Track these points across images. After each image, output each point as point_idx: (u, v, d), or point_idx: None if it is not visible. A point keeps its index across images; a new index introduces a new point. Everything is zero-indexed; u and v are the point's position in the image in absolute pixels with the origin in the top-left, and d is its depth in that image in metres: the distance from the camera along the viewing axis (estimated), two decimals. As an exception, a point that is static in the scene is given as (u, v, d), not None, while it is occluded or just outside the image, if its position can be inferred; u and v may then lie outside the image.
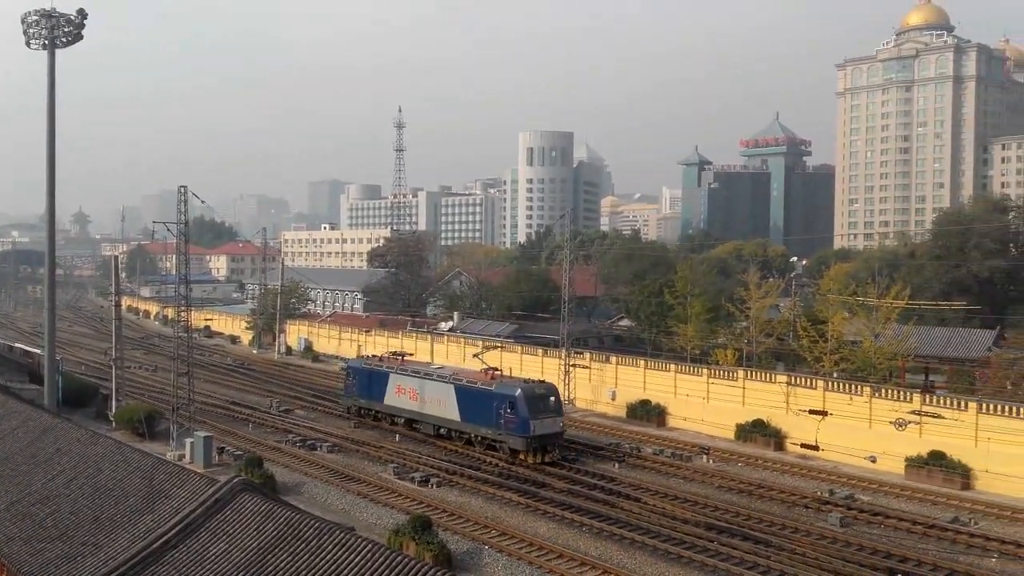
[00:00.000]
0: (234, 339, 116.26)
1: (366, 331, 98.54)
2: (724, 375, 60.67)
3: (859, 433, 50.22)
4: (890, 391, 51.32)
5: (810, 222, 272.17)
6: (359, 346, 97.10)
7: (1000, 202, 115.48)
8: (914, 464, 46.75)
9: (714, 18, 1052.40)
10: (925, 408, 47.65)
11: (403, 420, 55.97)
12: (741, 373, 59.85)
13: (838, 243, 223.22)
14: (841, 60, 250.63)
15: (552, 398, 48.85)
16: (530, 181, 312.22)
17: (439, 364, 63.82)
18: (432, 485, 43.51)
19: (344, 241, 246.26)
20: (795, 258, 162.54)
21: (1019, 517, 39.67)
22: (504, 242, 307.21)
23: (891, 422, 48.26)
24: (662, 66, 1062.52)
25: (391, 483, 43.62)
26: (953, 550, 35.18)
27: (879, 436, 49.24)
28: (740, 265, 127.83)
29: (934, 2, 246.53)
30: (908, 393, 50.54)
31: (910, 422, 47.37)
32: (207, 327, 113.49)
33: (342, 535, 21.62)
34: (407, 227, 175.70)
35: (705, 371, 62.05)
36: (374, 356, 65.12)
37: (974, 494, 43.94)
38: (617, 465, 48.64)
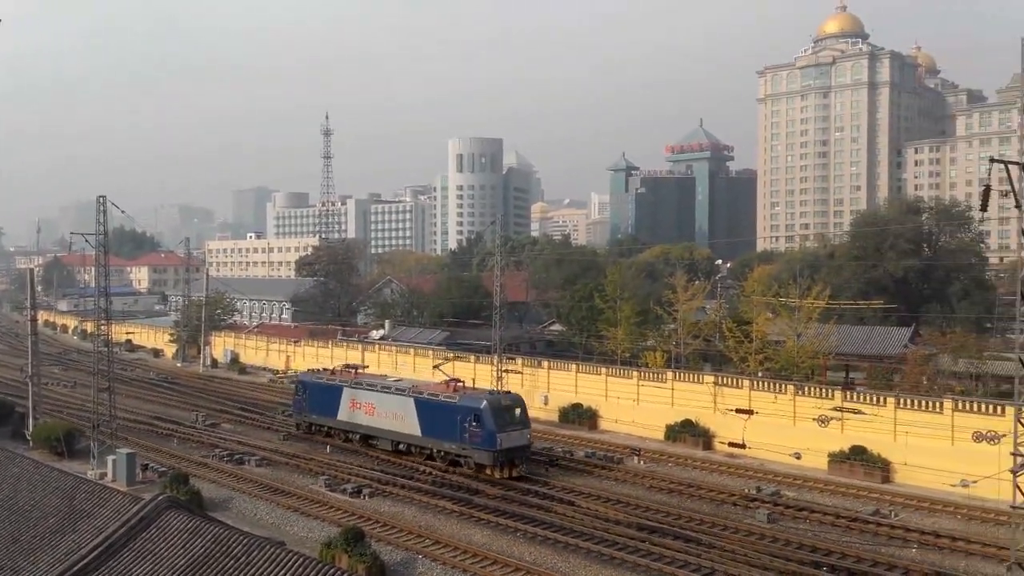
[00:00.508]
0: (157, 352, 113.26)
1: (295, 342, 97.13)
2: (653, 377, 61.60)
3: (784, 430, 51.54)
4: (813, 389, 52.82)
5: (734, 225, 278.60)
6: (287, 357, 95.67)
7: (913, 204, 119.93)
8: (837, 459, 48.20)
9: (639, 27, 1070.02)
10: (846, 405, 49.19)
11: (359, 436, 53.59)
12: (670, 375, 60.84)
13: (761, 245, 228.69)
14: (762, 67, 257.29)
15: (519, 410, 47.10)
16: (460, 188, 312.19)
17: (396, 376, 60.76)
18: (365, 496, 43.06)
19: (271, 250, 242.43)
20: (720, 261, 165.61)
21: (936, 508, 41.19)
22: (435, 249, 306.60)
23: (814, 419, 49.64)
24: (589, 73, 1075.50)
25: (322, 495, 43.03)
26: (875, 542, 36.32)
27: (803, 433, 50.60)
28: (667, 268, 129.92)
29: (849, 10, 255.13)
30: (830, 390, 52.11)
31: (832, 418, 48.80)
32: (128, 341, 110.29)
33: (272, 550, 21.28)
34: (336, 235, 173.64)
35: (635, 374, 62.91)
36: (326, 370, 61.97)
37: (894, 487, 45.51)
38: (548, 469, 48.86)
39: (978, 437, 26.69)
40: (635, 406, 60.85)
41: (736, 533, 36.85)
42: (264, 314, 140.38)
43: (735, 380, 57.18)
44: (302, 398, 57.65)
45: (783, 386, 54.01)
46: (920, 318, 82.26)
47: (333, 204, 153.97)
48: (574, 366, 67.54)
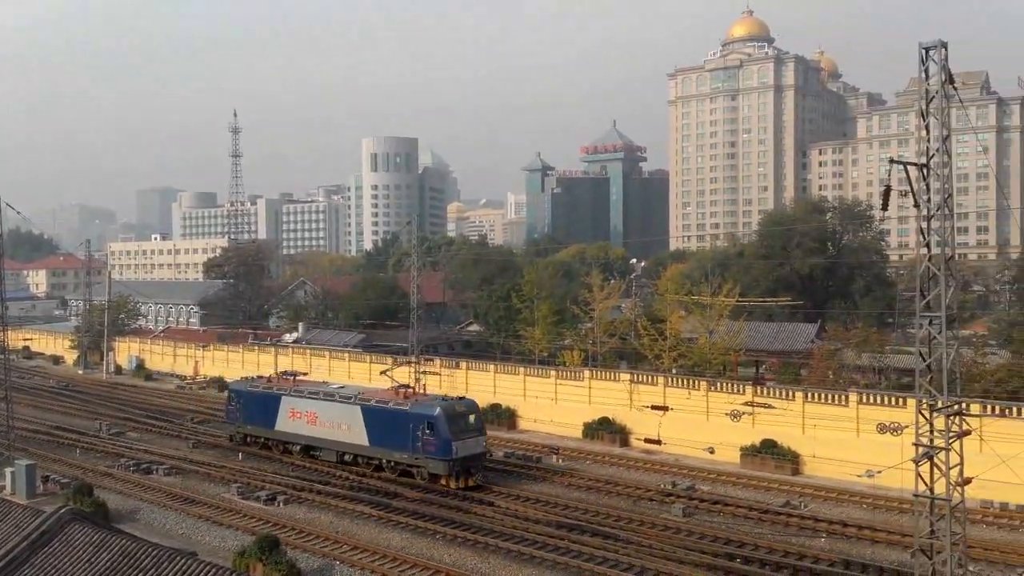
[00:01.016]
0: (57, 360, 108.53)
1: (203, 346, 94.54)
2: (571, 376, 62.09)
3: (698, 426, 52.60)
4: (725, 384, 54.06)
5: (648, 225, 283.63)
6: (196, 362, 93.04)
7: (818, 203, 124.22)
8: (748, 453, 49.43)
9: (554, 27, 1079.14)
10: (757, 399, 50.49)
11: (299, 447, 50.93)
12: (587, 373, 61.42)
13: (674, 244, 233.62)
14: (672, 70, 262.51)
15: (473, 416, 45.19)
16: (375, 187, 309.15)
17: (339, 383, 57.83)
18: (279, 503, 42.09)
19: (177, 252, 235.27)
20: (635, 260, 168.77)
21: (843, 498, 42.65)
22: (350, 250, 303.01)
23: (726, 414, 50.79)
24: (504, 74, 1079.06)
25: (235, 504, 41.89)
26: (786, 532, 37.36)
27: (716, 428, 51.75)
28: (584, 268, 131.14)
29: (756, 15, 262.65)
30: (741, 386, 53.44)
31: (744, 413, 50.03)
32: (26, 347, 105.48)
33: (183, 561, 20.55)
34: (246, 236, 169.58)
35: (553, 373, 63.30)
36: (261, 377, 58.65)
37: (803, 478, 46.94)
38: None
39: (882, 428, 27.74)
40: (553, 405, 61.21)
41: (653, 528, 37.40)
42: (171, 318, 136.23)
43: (650, 377, 58.07)
44: (235, 408, 54.78)
45: (696, 382, 55.11)
46: (826, 314, 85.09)
47: (242, 204, 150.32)
48: (492, 366, 67.56)
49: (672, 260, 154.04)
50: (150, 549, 21.20)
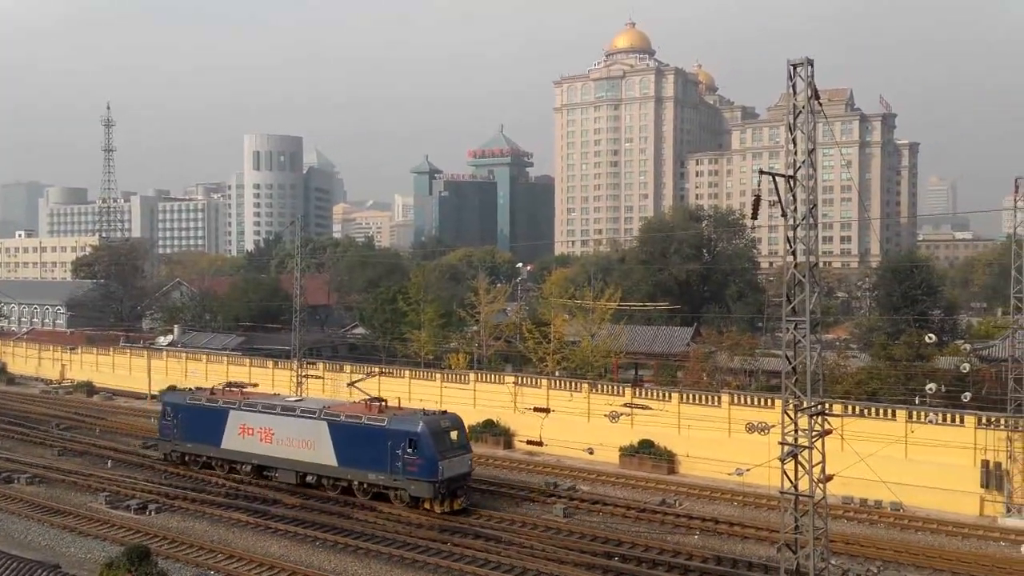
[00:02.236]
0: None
1: (71, 349, 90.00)
2: (456, 378, 62.25)
3: (579, 427, 53.62)
4: (605, 387, 55.36)
5: (534, 229, 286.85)
6: (63, 366, 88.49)
7: (695, 212, 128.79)
8: (627, 453, 50.75)
9: (443, 30, 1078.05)
10: (635, 401, 51.91)
11: (250, 468, 45.83)
12: (472, 376, 61.71)
13: (559, 249, 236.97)
14: (558, 77, 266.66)
15: (457, 432, 41.24)
16: (257, 186, 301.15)
17: (297, 396, 52.46)
18: (151, 512, 40.48)
19: (44, 250, 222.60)
20: (521, 264, 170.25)
21: (716, 496, 44.35)
22: (230, 250, 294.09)
23: (606, 415, 51.98)
24: (393, 77, 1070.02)
25: (103, 513, 40.02)
26: (662, 530, 38.55)
27: (597, 429, 52.88)
28: (470, 271, 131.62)
29: (638, 27, 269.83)
30: (621, 388, 54.84)
31: (622, 414, 51.31)
32: None
33: (45, 573, 19.55)
34: (118, 234, 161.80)
35: (438, 375, 63.31)
36: (201, 389, 52.71)
37: (678, 477, 48.56)
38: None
39: (751, 428, 29.05)
40: (437, 407, 60.99)
41: (535, 529, 37.91)
42: (36, 319, 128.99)
43: (534, 380, 58.87)
44: (171, 423, 48.92)
45: (578, 384, 56.22)
46: (701, 318, 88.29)
47: (115, 201, 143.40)
48: (377, 369, 66.92)
49: (557, 265, 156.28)
50: (9, 561, 20.09)
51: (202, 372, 76.12)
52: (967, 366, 46.78)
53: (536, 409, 52.76)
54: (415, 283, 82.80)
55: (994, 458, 41.48)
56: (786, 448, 24.23)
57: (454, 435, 40.82)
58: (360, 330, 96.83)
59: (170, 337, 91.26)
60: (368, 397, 44.46)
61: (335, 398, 51.91)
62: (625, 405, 51.60)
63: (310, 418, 43.30)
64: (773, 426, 26.35)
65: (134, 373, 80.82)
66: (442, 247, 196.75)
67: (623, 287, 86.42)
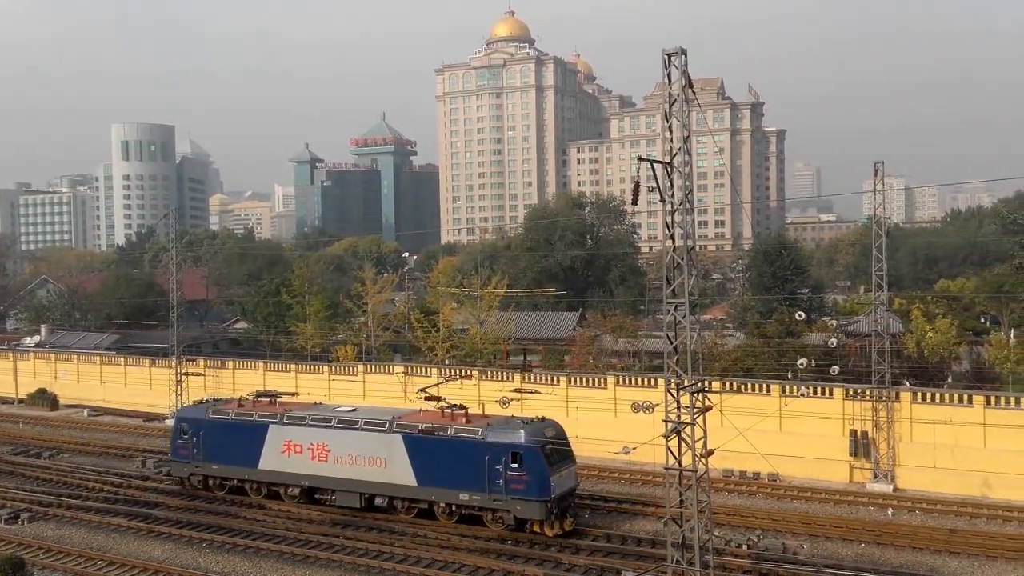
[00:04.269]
0: None
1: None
2: (345, 371, 61.53)
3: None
4: (495, 373, 55.83)
5: (420, 218, 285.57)
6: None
7: (577, 199, 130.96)
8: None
9: (318, 14, 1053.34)
10: (525, 385, 52.48)
11: (298, 491, 39.82)
12: (361, 367, 61.13)
13: (445, 238, 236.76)
14: (439, 65, 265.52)
15: (563, 441, 36.81)
16: (127, 178, 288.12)
17: (349, 405, 44.22)
18: (23, 521, 38.42)
19: None
20: (407, 253, 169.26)
21: (604, 475, 45.51)
22: (99, 245, 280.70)
23: (496, 401, 52.35)
24: (270, 62, 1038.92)
25: (-31, 527, 37.72)
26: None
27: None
28: (356, 262, 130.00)
29: (517, 16, 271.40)
30: (510, 373, 55.42)
31: (512, 399, 51.75)
32: None
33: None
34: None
35: (326, 368, 62.40)
36: (226, 401, 46.08)
37: (568, 459, 49.43)
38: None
39: (636, 408, 29.87)
40: (327, 401, 60.18)
41: (429, 519, 37.96)
42: None
43: (424, 369, 58.83)
44: (190, 442, 42.30)
45: (468, 372, 56.46)
46: (586, 303, 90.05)
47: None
48: (261, 364, 65.48)
49: (444, 253, 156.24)
50: None
51: (73, 373, 72.60)
52: (834, 341, 49.40)
53: (427, 398, 52.65)
54: (299, 275, 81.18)
55: (861, 427, 44.12)
56: (669, 425, 25.09)
57: (562, 445, 36.41)
58: (242, 325, 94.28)
59: (37, 338, 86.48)
60: (445, 404, 38.72)
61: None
62: (515, 390, 52.05)
63: (379, 431, 37.82)
64: (657, 405, 27.21)
65: (1, 378, 76.23)
66: (326, 238, 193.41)
67: (510, 274, 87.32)
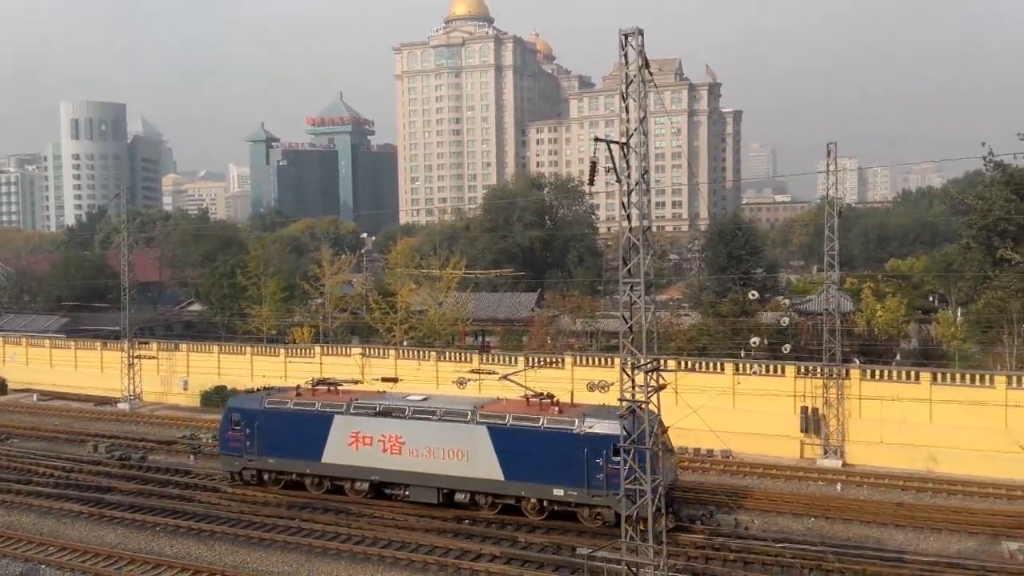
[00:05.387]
0: None
1: None
2: (302, 353, 61.13)
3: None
4: (453, 354, 55.84)
5: (378, 199, 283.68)
6: None
7: (536, 179, 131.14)
8: (476, 418, 51.43)
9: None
10: (483, 366, 52.56)
11: (367, 485, 37.71)
12: (318, 349, 60.75)
13: (403, 219, 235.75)
14: (397, 44, 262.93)
15: (664, 432, 32.76)
16: (77, 157, 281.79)
17: (420, 394, 41.22)
18: (-31, 509, 37.68)
19: None
20: (365, 234, 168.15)
21: (561, 453, 45.74)
22: (48, 226, 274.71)
23: (454, 382, 52.44)
24: (224, 39, 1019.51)
25: (-87, 514, 36.89)
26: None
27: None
28: (313, 243, 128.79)
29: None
30: (468, 354, 55.50)
31: (470, 380, 51.82)
32: None
33: None
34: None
35: (282, 351, 61.95)
36: (278, 389, 43.33)
37: (525, 438, 49.69)
38: (193, 457, 46.52)
39: (592, 387, 30.07)
40: (283, 383, 59.75)
41: (386, 499, 37.98)
42: None
43: (382, 350, 58.64)
44: (242, 435, 39.53)
45: (427, 353, 56.42)
46: (544, 283, 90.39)
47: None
48: (216, 347, 64.74)
49: (402, 234, 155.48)
50: None
51: (22, 357, 71.20)
52: (787, 320, 50.31)
53: (384, 379, 52.47)
54: (254, 256, 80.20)
55: (812, 404, 44.98)
56: (625, 404, 25.32)
57: (661, 435, 34.23)
58: (196, 307, 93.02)
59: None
60: (533, 392, 36.42)
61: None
62: (473, 371, 52.20)
63: (460, 422, 35.71)
64: (612, 384, 27.43)
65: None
66: (282, 218, 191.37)
67: (468, 255, 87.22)
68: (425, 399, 38.69)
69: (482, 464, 35.02)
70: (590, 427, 33.18)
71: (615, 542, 26.13)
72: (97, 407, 62.57)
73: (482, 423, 35.32)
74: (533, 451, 34.09)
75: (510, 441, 34.67)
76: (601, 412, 33.98)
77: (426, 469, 36.09)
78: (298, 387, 41.57)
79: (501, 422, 35.11)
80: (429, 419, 36.40)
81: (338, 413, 37.98)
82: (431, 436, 36.06)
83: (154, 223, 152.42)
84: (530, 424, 34.55)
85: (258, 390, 43.23)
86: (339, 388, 40.93)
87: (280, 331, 72.54)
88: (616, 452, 31.26)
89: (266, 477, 39.57)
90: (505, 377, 38.69)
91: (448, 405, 37.43)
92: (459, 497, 35.88)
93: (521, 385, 36.79)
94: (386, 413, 37.22)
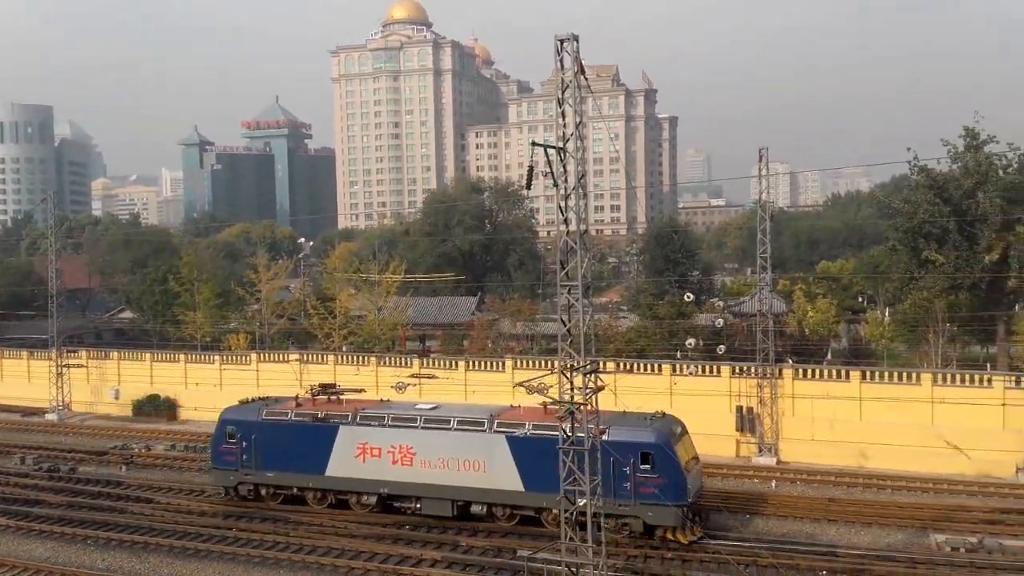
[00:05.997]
0: None
1: None
2: (237, 360, 60.10)
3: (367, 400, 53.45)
4: (393, 359, 55.55)
5: (316, 203, 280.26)
6: None
7: (476, 184, 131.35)
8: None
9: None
10: (423, 371, 52.46)
11: (375, 499, 35.95)
12: (254, 356, 59.82)
13: (342, 223, 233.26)
14: (335, 47, 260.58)
15: (689, 437, 34.17)
16: (1, 160, 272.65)
17: (429, 403, 39.63)
18: None
19: None
20: (303, 239, 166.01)
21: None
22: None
23: (393, 386, 52.20)
24: (156, 42, 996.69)
25: None
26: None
27: (386, 402, 52.94)
28: (249, 248, 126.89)
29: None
30: (408, 359, 55.27)
31: (409, 384, 51.72)
32: None
33: None
34: None
35: (217, 358, 60.85)
36: (274, 399, 40.78)
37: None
38: (125, 468, 45.39)
39: (530, 389, 30.21)
40: (218, 391, 58.66)
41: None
42: None
43: (320, 356, 58.04)
44: (238, 447, 37.60)
45: (366, 358, 56.02)
46: (485, 287, 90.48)
47: None
48: (148, 355, 63.33)
49: (341, 239, 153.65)
50: None
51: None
52: (721, 321, 51.27)
53: (322, 386, 52.00)
54: (188, 262, 78.59)
55: (747, 404, 45.93)
56: (565, 407, 25.54)
57: (687, 442, 33.61)
58: (127, 314, 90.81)
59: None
60: (549, 400, 33.63)
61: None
62: (413, 376, 52.04)
63: (477, 431, 34.28)
64: (551, 386, 27.65)
65: None
66: (216, 223, 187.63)
67: (408, 259, 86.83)
68: (435, 408, 37.16)
69: (500, 474, 33.67)
70: (616, 435, 31.63)
71: (555, 543, 26.32)
72: (24, 418, 60.58)
73: (500, 432, 33.98)
74: (555, 461, 31.14)
75: (530, 451, 33.12)
76: (625, 419, 33.29)
77: (440, 481, 34.56)
78: (297, 397, 40.29)
79: (520, 431, 33.76)
80: (443, 428, 34.95)
81: (343, 424, 36.26)
82: (445, 446, 34.59)
83: (83, 228, 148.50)
84: (551, 432, 30.90)
85: (254, 400, 41.10)
86: (338, 396, 39.39)
87: (215, 338, 71.24)
88: (645, 460, 31.45)
89: (264, 492, 37.82)
90: (522, 384, 34.63)
91: (462, 414, 35.88)
92: (475, 509, 34.64)
93: (540, 393, 32.14)
94: (396, 423, 35.63)
